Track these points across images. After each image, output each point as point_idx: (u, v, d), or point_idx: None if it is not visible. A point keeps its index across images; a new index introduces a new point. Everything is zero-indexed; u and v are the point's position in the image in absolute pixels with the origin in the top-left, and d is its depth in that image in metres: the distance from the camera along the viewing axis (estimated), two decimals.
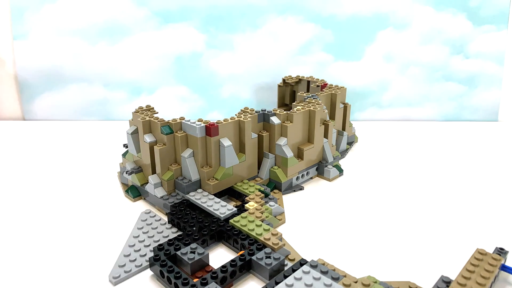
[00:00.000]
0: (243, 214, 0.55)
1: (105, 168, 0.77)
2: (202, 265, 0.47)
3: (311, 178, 0.74)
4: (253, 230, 0.52)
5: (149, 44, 1.07)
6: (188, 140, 0.62)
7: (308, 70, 1.10)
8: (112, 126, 1.04)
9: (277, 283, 0.43)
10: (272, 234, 0.50)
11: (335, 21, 1.08)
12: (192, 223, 0.54)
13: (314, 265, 0.46)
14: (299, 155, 0.71)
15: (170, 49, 1.08)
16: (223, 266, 0.46)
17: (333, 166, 0.74)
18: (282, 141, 0.68)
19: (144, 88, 1.10)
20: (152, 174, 0.63)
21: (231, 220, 0.54)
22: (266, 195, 0.63)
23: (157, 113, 0.66)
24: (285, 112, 0.69)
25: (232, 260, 0.47)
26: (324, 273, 0.44)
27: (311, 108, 0.71)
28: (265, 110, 0.69)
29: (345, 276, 0.44)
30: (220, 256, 0.52)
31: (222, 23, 1.07)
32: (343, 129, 0.87)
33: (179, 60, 1.09)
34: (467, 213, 0.61)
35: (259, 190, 0.63)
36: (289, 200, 0.66)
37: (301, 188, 0.70)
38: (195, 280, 0.44)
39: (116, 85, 1.09)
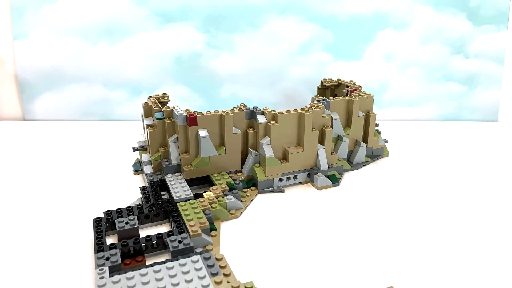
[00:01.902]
0: (191, 201, 0.58)
1: (105, 168, 0.77)
2: (131, 235, 0.53)
3: (301, 183, 0.71)
4: (188, 215, 0.55)
5: (149, 44, 1.07)
6: (174, 127, 0.68)
7: (308, 70, 1.10)
8: (112, 126, 1.04)
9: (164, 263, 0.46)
10: (200, 223, 0.53)
11: (335, 21, 1.08)
12: (148, 200, 0.60)
13: (207, 257, 0.47)
14: (285, 157, 0.70)
15: (170, 49, 1.08)
16: (135, 238, 0.51)
17: (328, 176, 0.70)
18: (265, 140, 0.68)
19: (144, 88, 1.10)
20: (147, 153, 0.73)
21: (178, 204, 0.58)
22: (231, 189, 0.64)
23: (169, 101, 0.76)
24: (272, 112, 0.68)
25: (147, 236, 0.51)
26: (210, 266, 0.46)
27: (302, 112, 0.68)
28: (256, 108, 0.70)
29: (228, 275, 0.45)
30: (155, 232, 0.55)
31: (222, 23, 1.07)
32: (364, 140, 0.80)
33: (179, 60, 1.09)
34: (466, 214, 0.61)
35: (228, 183, 0.65)
36: (261, 200, 0.66)
37: (281, 190, 0.68)
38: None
39: (116, 85, 1.09)
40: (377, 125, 0.82)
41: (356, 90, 0.81)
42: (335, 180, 0.70)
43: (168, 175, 0.67)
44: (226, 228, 0.58)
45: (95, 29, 1.06)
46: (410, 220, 0.60)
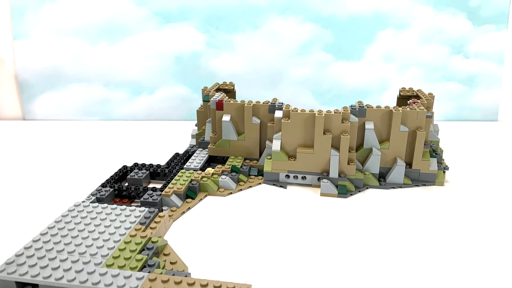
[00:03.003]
0: (191, 171, 0.69)
1: (105, 168, 0.77)
2: (137, 183, 0.68)
3: (310, 185, 0.70)
4: (176, 180, 0.65)
5: (149, 44, 1.07)
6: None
7: (308, 70, 1.10)
8: (112, 126, 1.04)
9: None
10: (177, 188, 0.63)
11: (335, 21, 1.08)
12: (169, 163, 0.74)
13: (150, 211, 0.56)
14: (294, 155, 0.70)
15: (170, 49, 1.08)
16: (136, 186, 0.65)
17: (337, 185, 0.67)
18: (277, 134, 0.70)
19: (144, 88, 1.10)
20: None
21: (181, 170, 0.69)
22: (233, 170, 0.70)
23: (232, 89, 0.86)
24: (290, 109, 0.69)
25: (145, 187, 0.64)
26: (146, 217, 0.54)
27: (314, 113, 0.67)
28: (281, 104, 0.72)
29: (154, 228, 0.52)
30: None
31: (222, 23, 1.07)
32: (409, 160, 0.71)
33: (179, 60, 1.09)
34: (467, 215, 0.61)
35: (233, 166, 0.71)
36: (259, 189, 0.69)
37: (283, 186, 0.69)
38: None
39: (116, 85, 1.10)
40: (432, 145, 0.73)
41: (416, 102, 0.72)
42: (342, 191, 0.66)
43: (200, 149, 0.79)
44: (206, 202, 0.65)
45: (95, 29, 1.06)
46: (403, 256, 0.51)
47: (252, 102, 0.74)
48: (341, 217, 0.60)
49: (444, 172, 0.72)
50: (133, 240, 0.49)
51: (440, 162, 0.72)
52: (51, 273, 0.42)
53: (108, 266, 0.44)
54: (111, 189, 0.63)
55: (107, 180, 0.67)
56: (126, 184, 0.69)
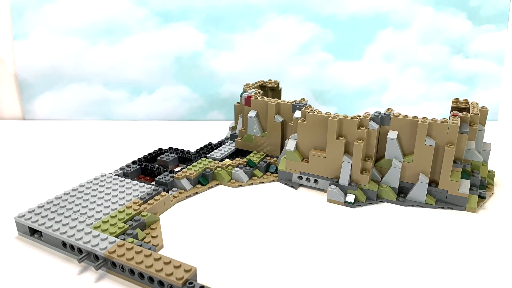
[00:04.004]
0: (210, 159, 0.74)
1: (105, 168, 0.77)
2: (165, 164, 0.75)
3: (322, 189, 0.68)
4: (192, 166, 0.71)
5: (149, 44, 1.07)
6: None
7: (308, 70, 1.10)
8: (112, 126, 1.04)
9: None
10: (189, 173, 0.68)
11: (335, 21, 1.08)
12: (199, 151, 0.81)
13: (149, 193, 0.61)
14: (308, 156, 0.69)
15: (170, 49, 1.08)
16: (164, 167, 0.73)
17: (346, 192, 0.64)
18: (294, 135, 0.70)
19: (144, 87, 1.10)
20: None
21: (203, 158, 0.75)
22: (248, 164, 0.73)
23: (276, 87, 0.86)
24: (309, 110, 0.67)
25: (171, 169, 0.73)
26: (143, 197, 0.60)
27: (328, 116, 0.65)
28: (305, 104, 0.73)
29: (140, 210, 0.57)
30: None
31: (222, 23, 1.07)
32: (435, 177, 0.64)
33: (179, 60, 1.09)
34: (467, 215, 0.61)
35: (249, 160, 0.74)
36: (270, 186, 0.70)
37: (294, 187, 0.70)
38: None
39: (116, 84, 1.09)
40: (465, 165, 0.64)
41: (457, 115, 0.64)
42: (351, 202, 0.63)
43: (230, 141, 0.84)
44: (215, 190, 0.69)
45: (95, 29, 1.06)
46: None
47: (277, 100, 0.75)
48: (341, 227, 0.58)
49: (481, 197, 0.63)
50: (126, 211, 0.56)
51: (477, 185, 0.64)
52: (52, 225, 0.52)
53: (95, 228, 0.52)
54: (138, 167, 0.72)
55: (139, 158, 0.76)
56: (157, 164, 0.76)
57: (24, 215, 0.54)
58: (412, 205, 0.63)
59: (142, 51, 1.08)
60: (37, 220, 0.53)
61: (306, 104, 0.73)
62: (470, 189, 0.63)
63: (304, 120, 0.67)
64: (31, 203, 0.64)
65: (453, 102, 0.74)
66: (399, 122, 0.63)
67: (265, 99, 0.76)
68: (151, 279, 0.45)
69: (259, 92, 0.80)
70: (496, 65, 1.10)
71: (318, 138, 0.67)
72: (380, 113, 0.64)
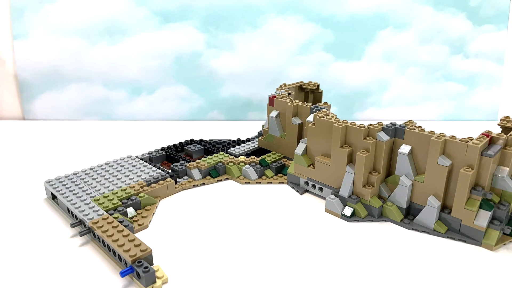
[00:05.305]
0: (226, 154, 0.77)
1: None
2: (191, 154, 0.79)
3: (325, 198, 0.64)
4: (208, 158, 0.74)
5: (149, 44, 1.07)
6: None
7: (308, 70, 1.10)
8: (112, 126, 1.04)
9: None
10: (201, 165, 0.71)
11: (335, 21, 1.08)
12: (224, 143, 0.85)
13: (153, 180, 0.66)
14: (313, 162, 0.68)
15: (170, 49, 1.08)
16: (188, 157, 0.79)
17: (345, 204, 0.61)
18: (305, 138, 0.69)
19: (144, 87, 1.10)
20: None
21: (222, 152, 0.78)
22: (260, 163, 0.74)
23: (314, 90, 0.87)
24: (322, 115, 0.65)
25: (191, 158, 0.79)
26: (148, 182, 0.65)
27: (333, 123, 0.62)
28: (322, 107, 0.72)
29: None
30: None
31: (222, 23, 1.07)
32: (448, 202, 0.57)
33: (179, 60, 1.09)
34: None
35: (263, 159, 0.75)
36: (276, 188, 0.70)
37: (298, 191, 0.69)
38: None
39: (116, 84, 1.09)
40: (488, 193, 0.54)
41: (488, 135, 0.56)
42: (349, 214, 0.60)
43: (256, 139, 0.86)
44: (222, 183, 0.72)
45: (95, 29, 1.06)
46: None
47: (296, 102, 0.74)
48: (328, 240, 0.54)
49: (505, 234, 0.54)
50: (126, 190, 0.62)
51: (501, 219, 0.54)
52: (65, 192, 0.61)
53: (95, 200, 0.59)
54: (164, 153, 0.78)
55: (168, 146, 0.81)
56: (184, 154, 0.82)
57: (51, 181, 0.64)
58: (417, 230, 0.57)
59: (142, 51, 1.08)
60: (57, 187, 0.62)
61: (323, 108, 0.70)
62: (492, 222, 0.54)
63: (314, 125, 0.66)
64: (31, 203, 0.64)
65: (501, 120, 0.63)
66: (414, 136, 0.57)
67: (287, 100, 0.75)
68: (114, 252, 0.49)
69: (289, 94, 0.79)
70: (496, 65, 1.10)
71: (326, 145, 0.65)
72: (395, 124, 0.59)
